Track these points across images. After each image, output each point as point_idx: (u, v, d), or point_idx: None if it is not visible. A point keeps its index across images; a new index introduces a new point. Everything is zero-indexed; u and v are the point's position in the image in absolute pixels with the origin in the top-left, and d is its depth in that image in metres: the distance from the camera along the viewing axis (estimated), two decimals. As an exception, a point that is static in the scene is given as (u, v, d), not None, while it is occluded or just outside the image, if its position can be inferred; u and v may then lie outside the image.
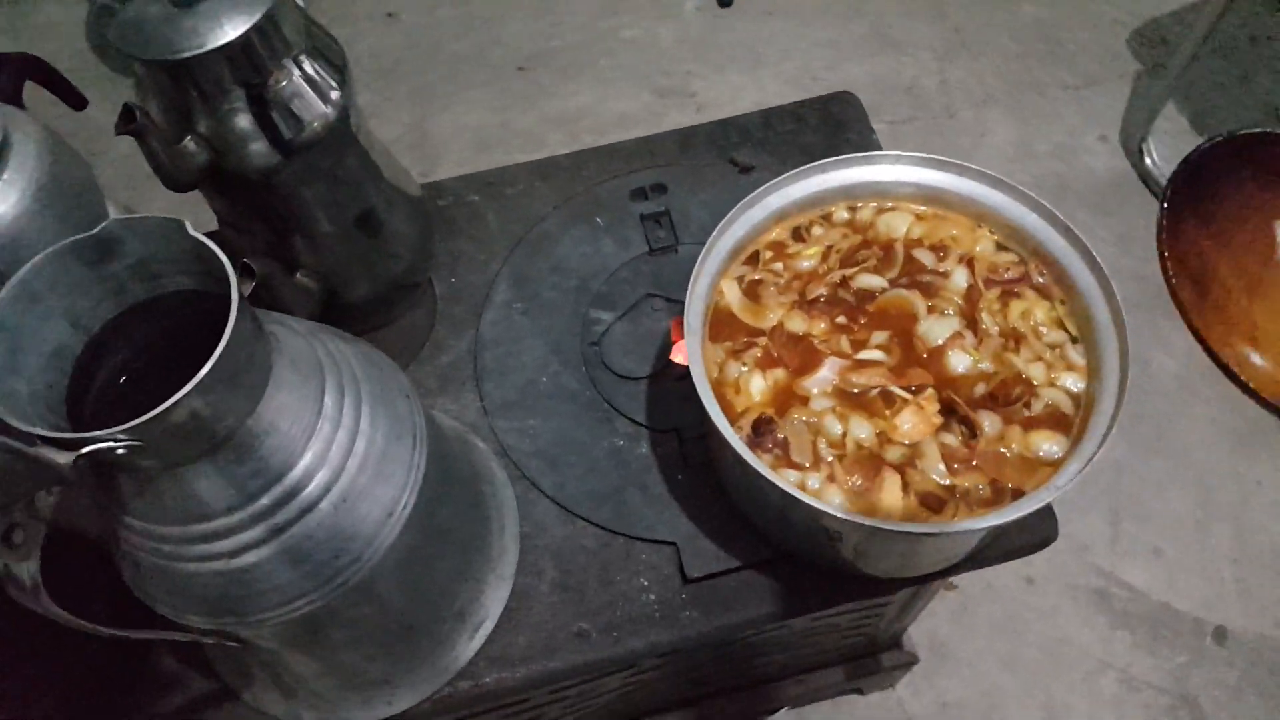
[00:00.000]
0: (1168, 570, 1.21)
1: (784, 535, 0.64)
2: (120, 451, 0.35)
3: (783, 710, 1.07)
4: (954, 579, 1.20)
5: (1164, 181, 1.46)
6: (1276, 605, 1.19)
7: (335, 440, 0.44)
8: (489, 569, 0.63)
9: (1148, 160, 1.50)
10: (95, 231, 0.38)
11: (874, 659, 1.02)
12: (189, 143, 0.52)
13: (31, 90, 0.59)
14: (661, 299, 0.76)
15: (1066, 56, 1.67)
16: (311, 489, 0.44)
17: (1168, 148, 1.51)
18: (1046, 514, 0.66)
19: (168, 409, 0.34)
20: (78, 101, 0.57)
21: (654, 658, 0.70)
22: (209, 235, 0.61)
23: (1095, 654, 1.16)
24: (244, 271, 0.59)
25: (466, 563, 0.61)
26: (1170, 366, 1.35)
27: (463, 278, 0.79)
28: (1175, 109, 1.58)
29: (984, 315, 0.63)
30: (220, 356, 0.35)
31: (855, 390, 0.61)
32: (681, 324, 0.60)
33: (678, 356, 0.61)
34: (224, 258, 0.36)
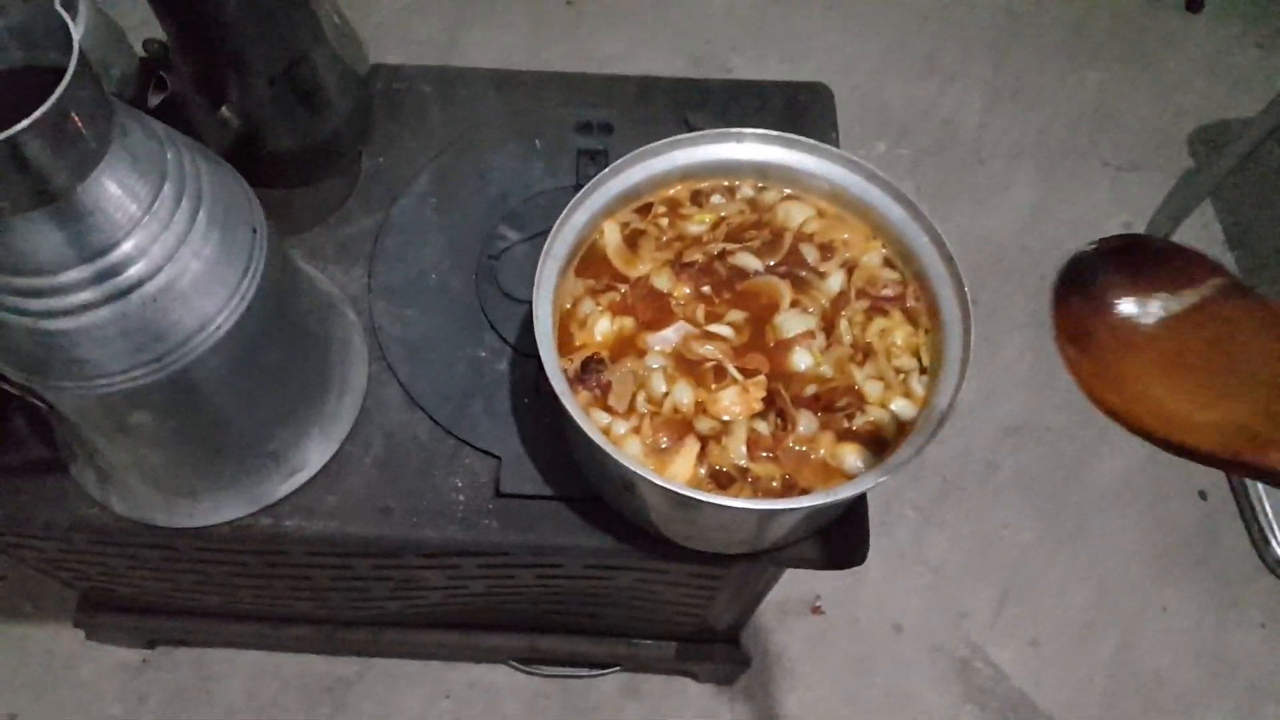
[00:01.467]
0: (1039, 662, 1.26)
1: (596, 476, 0.70)
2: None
3: (615, 669, 1.14)
4: (821, 605, 1.26)
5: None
6: (1138, 730, 1.22)
7: (159, 239, 0.51)
8: (315, 424, 0.70)
9: (1163, 259, 1.52)
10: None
11: (707, 646, 1.08)
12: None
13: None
14: (568, 232, 0.81)
15: (1117, 134, 1.69)
16: (124, 278, 0.50)
17: (1191, 253, 1.53)
18: (857, 534, 0.71)
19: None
20: None
21: (448, 555, 0.77)
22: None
23: (937, 718, 1.22)
24: (157, 84, 0.66)
25: (290, 411, 0.67)
26: (1110, 467, 1.38)
27: (391, 160, 0.85)
28: (1214, 215, 1.60)
29: (843, 323, 0.68)
30: (48, 109, 0.42)
31: (692, 358, 0.66)
32: None
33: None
34: (73, 30, 0.43)
